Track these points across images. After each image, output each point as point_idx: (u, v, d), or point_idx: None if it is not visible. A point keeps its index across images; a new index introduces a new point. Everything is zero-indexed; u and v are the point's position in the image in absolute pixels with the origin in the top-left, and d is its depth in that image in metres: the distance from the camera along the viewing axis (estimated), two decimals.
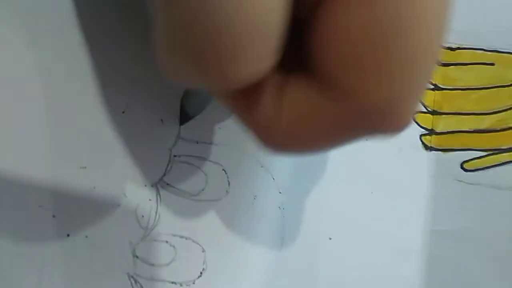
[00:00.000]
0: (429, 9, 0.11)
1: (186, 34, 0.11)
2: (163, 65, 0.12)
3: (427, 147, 0.26)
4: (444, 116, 0.27)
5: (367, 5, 0.11)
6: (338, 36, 0.11)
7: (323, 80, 0.12)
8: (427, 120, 0.27)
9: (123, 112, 0.19)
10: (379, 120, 0.12)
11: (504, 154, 0.26)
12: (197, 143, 0.20)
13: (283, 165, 0.23)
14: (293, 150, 0.14)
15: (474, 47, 0.27)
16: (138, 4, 0.18)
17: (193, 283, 0.20)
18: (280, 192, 0.22)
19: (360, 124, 0.12)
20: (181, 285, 0.20)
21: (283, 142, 0.13)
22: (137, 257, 0.19)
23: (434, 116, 0.27)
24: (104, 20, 0.18)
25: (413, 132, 0.26)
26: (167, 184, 0.20)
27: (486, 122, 0.27)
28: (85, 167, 0.18)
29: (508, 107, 0.27)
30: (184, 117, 0.20)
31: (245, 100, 0.13)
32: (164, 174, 0.20)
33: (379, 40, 0.11)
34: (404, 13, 0.11)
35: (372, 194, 0.25)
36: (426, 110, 0.27)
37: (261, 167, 0.22)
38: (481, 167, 0.26)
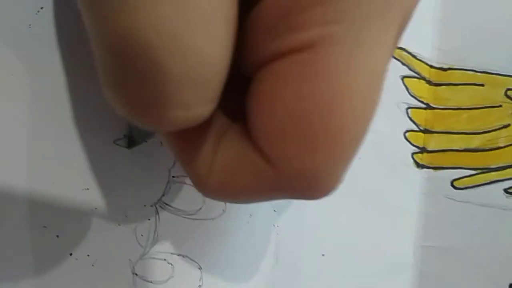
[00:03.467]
0: (352, 91, 0.11)
1: (118, 71, 0.11)
2: (104, 94, 0.12)
3: (418, 165, 0.27)
4: (435, 134, 0.27)
5: (291, 84, 0.11)
6: (265, 106, 0.12)
7: (253, 141, 0.12)
8: (419, 139, 0.27)
9: (124, 136, 0.19)
10: (300, 188, 0.12)
11: (493, 173, 0.27)
12: None
13: None
14: (223, 200, 0.14)
15: (465, 68, 0.28)
16: None
17: None
18: (274, 211, 0.23)
19: (284, 189, 0.12)
20: None
21: (213, 192, 0.13)
22: (136, 274, 0.20)
23: (426, 134, 0.27)
24: None
25: (405, 150, 0.27)
26: (166, 204, 0.20)
27: (476, 141, 0.27)
28: (88, 189, 0.19)
29: (498, 127, 0.28)
30: (131, 142, 0.19)
31: (183, 143, 0.14)
32: (163, 195, 0.20)
33: (301, 117, 0.11)
34: (326, 94, 0.11)
35: (365, 211, 0.26)
36: (418, 129, 0.27)
37: None
38: (470, 185, 0.27)
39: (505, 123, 0.27)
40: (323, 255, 0.24)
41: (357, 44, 0.11)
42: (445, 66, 0.28)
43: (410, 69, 0.27)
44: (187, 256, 0.21)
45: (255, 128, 0.12)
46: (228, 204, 0.22)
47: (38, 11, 0.18)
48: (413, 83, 0.27)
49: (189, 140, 0.13)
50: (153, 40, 0.10)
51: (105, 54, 0.10)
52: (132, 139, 0.19)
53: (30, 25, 0.17)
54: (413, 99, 0.27)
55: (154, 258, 0.20)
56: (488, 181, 0.27)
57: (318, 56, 0.11)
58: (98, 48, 0.11)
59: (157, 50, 0.10)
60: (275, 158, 0.12)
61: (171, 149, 0.14)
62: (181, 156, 0.14)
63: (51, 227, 0.18)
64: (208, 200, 0.21)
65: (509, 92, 0.28)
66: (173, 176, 0.21)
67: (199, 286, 0.21)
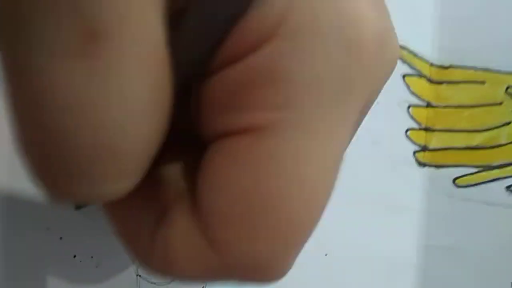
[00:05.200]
0: (302, 179, 0.11)
1: (23, 128, 0.09)
2: None
3: (420, 164, 0.27)
4: (436, 133, 0.28)
5: (239, 166, 0.11)
6: (212, 183, 0.11)
7: (199, 219, 0.12)
8: (420, 137, 0.27)
9: None
10: (246, 274, 0.12)
11: (495, 170, 0.27)
12: None
13: None
14: (168, 278, 0.13)
15: (465, 65, 0.28)
16: None
17: None
18: None
19: (229, 275, 0.12)
20: None
21: (156, 270, 0.12)
22: (140, 276, 0.20)
23: (427, 133, 0.27)
24: None
25: (406, 148, 0.27)
26: None
27: (477, 139, 0.27)
28: None
29: (499, 125, 0.28)
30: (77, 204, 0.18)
31: (121, 211, 0.13)
32: None
33: (247, 201, 0.11)
34: (273, 181, 0.11)
35: (367, 210, 0.26)
36: (419, 127, 0.27)
37: None
38: (472, 183, 0.27)
39: (507, 120, 0.28)
40: (326, 254, 0.24)
41: (308, 132, 0.11)
42: (446, 64, 0.28)
43: (411, 67, 0.27)
44: None
45: (201, 205, 0.12)
46: None
47: None
48: (413, 81, 0.27)
49: (129, 207, 0.12)
50: (59, 104, 0.09)
51: (15, 106, 0.09)
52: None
53: None
54: (414, 97, 0.27)
55: None
56: (490, 179, 0.27)
57: (266, 140, 0.11)
58: (9, 97, 0.09)
59: (63, 116, 0.09)
60: (219, 242, 0.11)
61: (107, 218, 0.13)
62: (119, 226, 0.13)
63: (55, 228, 0.18)
64: None
65: (510, 90, 0.28)
66: None
67: (203, 287, 0.21)
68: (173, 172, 0.13)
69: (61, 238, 0.18)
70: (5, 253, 0.18)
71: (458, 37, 0.28)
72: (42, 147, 0.09)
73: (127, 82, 0.09)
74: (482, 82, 0.28)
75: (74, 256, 0.19)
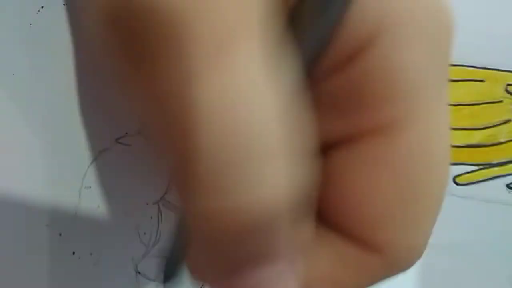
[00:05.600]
0: (437, 162, 0.12)
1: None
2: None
3: None
4: None
5: (387, 168, 0.11)
6: (361, 193, 0.12)
7: (345, 235, 0.12)
8: None
9: (126, 134, 0.19)
10: (405, 266, 0.12)
11: (495, 168, 0.27)
12: None
13: None
14: None
15: (464, 64, 0.28)
16: None
17: None
18: None
19: (390, 271, 0.12)
20: None
21: None
22: (139, 273, 0.20)
23: None
24: None
25: None
26: (168, 202, 0.20)
27: (477, 137, 0.27)
28: (90, 187, 0.19)
29: (498, 123, 0.28)
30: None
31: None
32: (166, 193, 0.20)
33: (401, 199, 0.11)
34: (417, 172, 0.11)
35: None
36: None
37: None
38: (472, 181, 0.27)
39: (506, 118, 0.28)
40: None
41: (429, 115, 0.11)
42: None
43: None
44: None
45: (347, 215, 0.12)
46: None
47: (39, 10, 0.18)
48: None
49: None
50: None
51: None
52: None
53: (30, 24, 0.17)
54: None
55: (157, 256, 0.20)
56: (490, 177, 0.27)
57: (401, 135, 0.11)
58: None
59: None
60: (381, 244, 0.12)
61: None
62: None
63: (54, 226, 0.18)
64: None
65: (509, 88, 0.28)
66: None
67: (202, 284, 0.21)
68: None
69: (60, 234, 0.18)
70: (4, 250, 0.18)
71: (457, 36, 0.28)
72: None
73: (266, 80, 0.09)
74: (482, 80, 0.28)
75: (73, 253, 0.18)
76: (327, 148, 0.12)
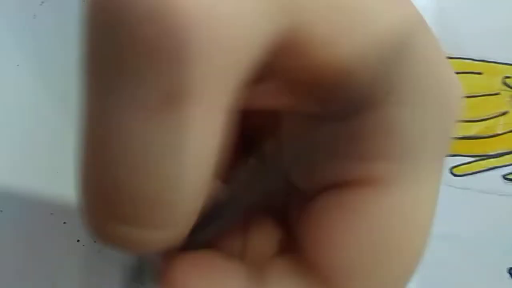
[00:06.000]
0: (420, 225, 0.12)
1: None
2: None
3: None
4: None
5: (366, 217, 0.12)
6: (338, 240, 0.12)
7: (311, 276, 0.12)
8: None
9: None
10: None
11: (492, 159, 0.27)
12: None
13: None
14: None
15: (462, 56, 0.28)
16: None
17: None
18: None
19: None
20: None
21: None
22: (141, 260, 0.20)
23: None
24: None
25: None
26: None
27: (474, 129, 0.28)
28: None
29: (496, 115, 0.28)
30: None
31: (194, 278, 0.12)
32: None
33: (377, 257, 0.12)
34: (398, 236, 0.12)
35: None
36: None
37: None
38: (469, 172, 0.27)
39: (503, 110, 0.28)
40: None
41: (421, 180, 0.12)
42: None
43: None
44: None
45: (318, 259, 0.12)
46: None
47: (43, 2, 0.18)
48: None
49: (210, 268, 0.12)
50: (124, 149, 0.09)
51: (85, 144, 0.10)
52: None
53: (34, 15, 0.18)
54: None
55: None
56: (487, 168, 0.27)
57: (387, 191, 0.11)
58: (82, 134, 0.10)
59: (125, 159, 0.09)
60: None
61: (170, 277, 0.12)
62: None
63: (58, 214, 0.18)
64: None
65: (507, 80, 0.28)
66: None
67: None
68: (261, 229, 0.13)
69: (64, 223, 0.19)
70: (9, 238, 0.18)
71: (455, 28, 0.28)
72: (99, 180, 0.10)
73: (196, 143, 0.09)
74: (479, 73, 0.28)
75: (78, 241, 0.19)
76: (317, 191, 0.12)
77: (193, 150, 0.09)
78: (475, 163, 0.27)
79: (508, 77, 0.28)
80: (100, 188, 0.10)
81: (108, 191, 0.10)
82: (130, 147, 0.09)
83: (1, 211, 0.18)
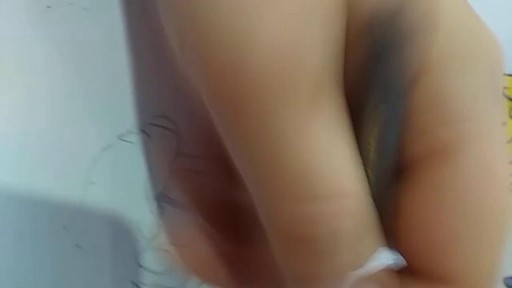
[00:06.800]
0: (503, 183, 0.12)
1: None
2: None
3: None
4: None
5: (446, 193, 0.11)
6: (426, 223, 0.12)
7: (415, 274, 0.12)
8: None
9: (128, 131, 0.20)
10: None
11: None
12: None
13: None
14: None
15: None
16: None
17: None
18: None
19: None
20: None
21: None
22: (141, 266, 0.20)
23: None
24: None
25: None
26: (168, 197, 0.21)
27: None
28: (94, 183, 0.19)
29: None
30: None
31: None
32: (165, 188, 0.21)
33: (467, 223, 0.11)
34: (489, 197, 0.11)
35: None
36: None
37: None
38: None
39: (503, 121, 0.28)
40: None
41: (488, 135, 0.12)
42: None
43: None
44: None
45: (415, 252, 0.12)
46: None
47: (47, 8, 0.18)
48: None
49: None
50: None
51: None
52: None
53: (37, 22, 0.18)
54: None
55: (158, 249, 0.21)
56: None
57: (461, 156, 0.11)
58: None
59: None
60: (453, 273, 0.12)
61: None
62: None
63: (58, 219, 0.19)
64: None
65: (506, 91, 0.28)
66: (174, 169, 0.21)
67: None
68: None
69: (64, 227, 0.19)
70: (9, 243, 0.18)
71: None
72: None
73: None
74: None
75: (77, 245, 0.19)
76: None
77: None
78: None
79: (508, 88, 0.28)
80: None
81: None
82: None
83: (1, 212, 0.18)
